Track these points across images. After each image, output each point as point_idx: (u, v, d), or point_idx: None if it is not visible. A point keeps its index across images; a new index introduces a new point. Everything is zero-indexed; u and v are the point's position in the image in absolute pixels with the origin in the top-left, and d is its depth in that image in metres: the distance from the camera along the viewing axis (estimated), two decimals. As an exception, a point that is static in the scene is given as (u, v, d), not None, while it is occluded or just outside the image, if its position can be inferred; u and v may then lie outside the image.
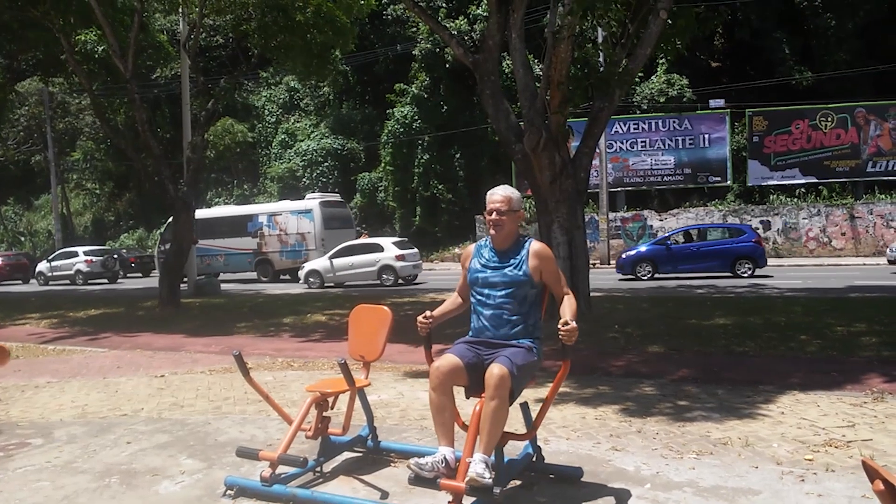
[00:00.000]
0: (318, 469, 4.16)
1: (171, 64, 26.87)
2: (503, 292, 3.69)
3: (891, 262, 20.08)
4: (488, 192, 3.86)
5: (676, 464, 4.19)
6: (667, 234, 21.22)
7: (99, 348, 10.15)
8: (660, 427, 4.98)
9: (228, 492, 3.88)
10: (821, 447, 4.39)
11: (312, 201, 26.57)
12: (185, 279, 19.38)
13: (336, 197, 28.86)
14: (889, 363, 6.77)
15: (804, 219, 26.80)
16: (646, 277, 19.48)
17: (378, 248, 21.65)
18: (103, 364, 8.70)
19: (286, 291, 20.77)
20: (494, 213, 3.75)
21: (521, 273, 3.68)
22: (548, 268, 3.71)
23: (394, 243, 21.91)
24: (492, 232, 3.80)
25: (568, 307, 3.53)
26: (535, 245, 3.76)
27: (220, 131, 36.71)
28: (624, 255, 20.47)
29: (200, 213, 20.68)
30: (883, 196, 26.85)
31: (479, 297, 3.77)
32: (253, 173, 40.11)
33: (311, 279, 22.14)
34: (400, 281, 21.19)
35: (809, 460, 4.15)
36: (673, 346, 8.21)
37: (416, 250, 22.56)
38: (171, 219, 29.38)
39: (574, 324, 3.30)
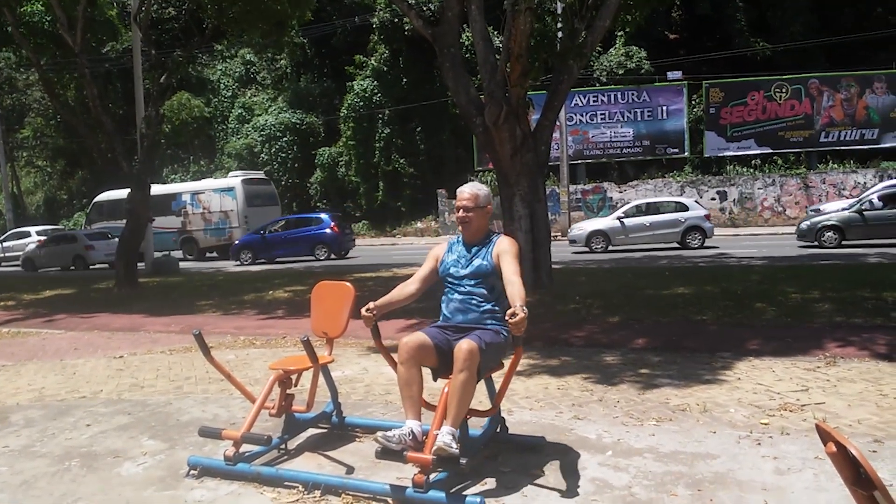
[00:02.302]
0: (283, 446, 4.15)
1: (121, 38, 26.16)
2: (472, 282, 3.81)
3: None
4: (458, 190, 3.98)
5: (637, 431, 4.27)
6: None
7: (55, 330, 9.93)
8: (620, 395, 5.07)
9: (192, 472, 3.85)
10: (776, 411, 4.51)
11: (235, 179, 26.69)
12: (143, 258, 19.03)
13: (260, 174, 28.96)
14: (841, 328, 6.97)
15: (759, 189, 27.33)
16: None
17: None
18: (60, 346, 8.53)
19: (247, 269, 20.55)
20: (462, 210, 3.89)
21: (486, 263, 3.79)
22: (504, 255, 3.76)
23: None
24: (461, 228, 3.95)
25: (517, 294, 3.49)
26: (501, 239, 3.91)
27: (175, 106, 35.85)
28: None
29: (122, 193, 20.35)
30: (836, 165, 27.51)
31: (449, 286, 3.90)
32: (210, 149, 39.38)
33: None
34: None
35: (765, 424, 4.27)
36: (633, 317, 8.33)
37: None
38: (97, 197, 29.18)
39: (522, 314, 3.29)
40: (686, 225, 19.59)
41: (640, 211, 20.47)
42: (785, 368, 5.63)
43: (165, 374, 6.46)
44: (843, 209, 18.60)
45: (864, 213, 17.47)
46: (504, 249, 3.79)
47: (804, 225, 18.46)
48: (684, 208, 20.02)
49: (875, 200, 17.65)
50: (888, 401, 4.63)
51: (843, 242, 17.53)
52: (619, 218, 20.22)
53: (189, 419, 4.92)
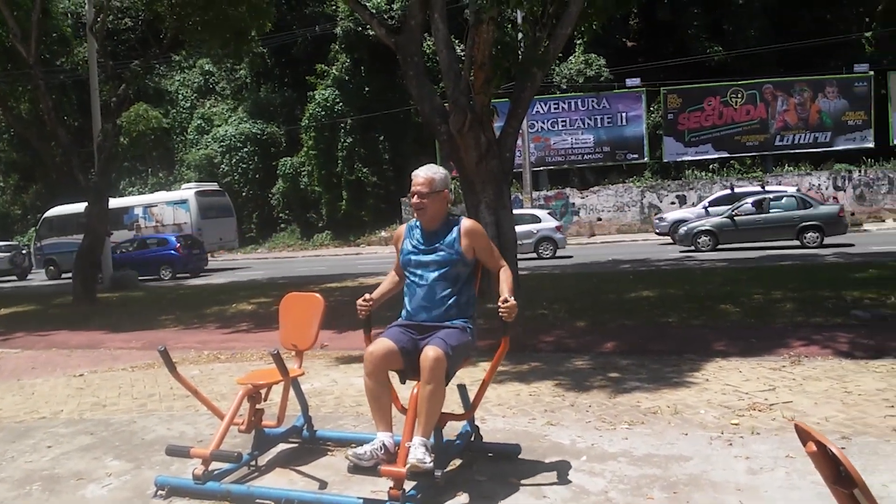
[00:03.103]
0: (253, 463, 4.06)
1: (77, 49, 25.65)
2: (435, 273, 3.65)
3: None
4: (412, 173, 3.75)
5: (610, 435, 4.28)
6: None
7: (11, 349, 9.63)
8: (592, 400, 5.08)
9: (160, 492, 3.74)
10: (745, 411, 4.56)
11: (188, 191, 26.42)
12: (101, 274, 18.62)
13: (214, 186, 28.68)
14: (803, 327, 7.10)
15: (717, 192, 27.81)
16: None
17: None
18: (17, 365, 8.26)
19: (208, 282, 20.23)
20: (416, 196, 3.66)
21: (453, 252, 3.64)
22: (480, 244, 3.69)
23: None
24: (416, 215, 3.74)
25: (505, 282, 3.52)
26: (465, 223, 3.72)
27: (133, 117, 35.23)
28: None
29: (73, 208, 19.91)
30: (791, 168, 28.19)
31: (411, 279, 3.73)
32: (168, 161, 38.77)
33: None
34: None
35: (735, 424, 4.31)
36: (599, 321, 8.39)
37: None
38: (46, 213, 28.54)
39: (514, 301, 3.30)
40: (538, 236, 20.66)
41: None
42: (751, 368, 5.71)
43: (128, 392, 6.29)
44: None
45: (735, 218, 18.67)
46: (477, 239, 3.67)
47: (682, 230, 19.56)
48: (537, 220, 21.04)
49: (749, 206, 18.88)
50: (853, 398, 4.72)
51: (718, 246, 18.73)
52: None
53: (154, 437, 4.79)
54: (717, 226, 18.95)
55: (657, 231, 23.39)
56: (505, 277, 3.55)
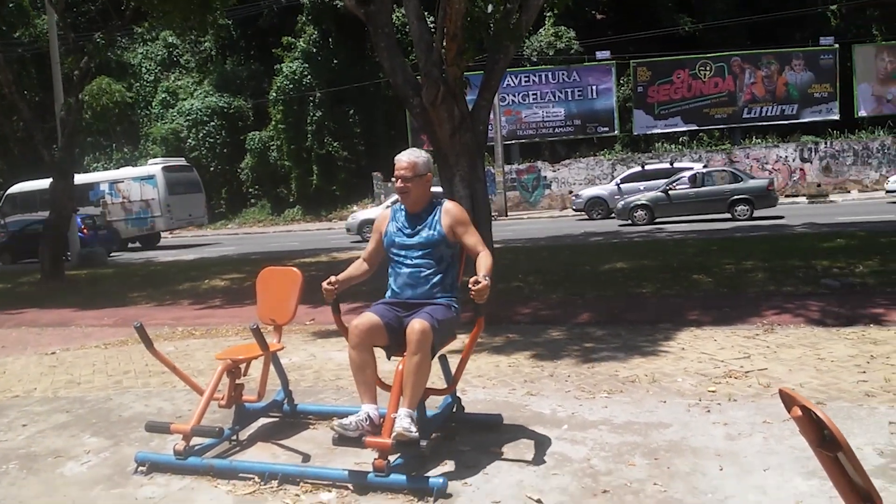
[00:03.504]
0: (234, 438, 4.03)
1: (36, 21, 24.88)
2: (419, 253, 3.68)
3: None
4: (395, 158, 3.82)
5: (590, 404, 4.33)
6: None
7: (-23, 328, 9.42)
8: (570, 370, 5.12)
9: (140, 468, 3.70)
10: (721, 379, 4.64)
11: (155, 167, 25.96)
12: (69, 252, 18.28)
13: (181, 161, 28.18)
14: (775, 296, 7.23)
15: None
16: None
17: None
18: (-16, 344, 8.09)
19: (179, 258, 19.97)
20: (400, 180, 3.72)
21: (435, 233, 3.68)
22: (460, 226, 3.70)
23: None
24: (400, 199, 3.80)
25: (483, 265, 3.50)
26: (447, 205, 3.79)
27: (96, 91, 34.44)
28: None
29: (37, 184, 19.38)
30: (759, 141, 28.51)
31: (396, 259, 3.75)
32: (133, 135, 37.98)
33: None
34: None
35: (712, 392, 4.38)
36: (574, 292, 8.45)
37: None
38: (9, 189, 27.84)
39: (486, 281, 3.28)
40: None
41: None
42: (726, 337, 5.80)
43: (102, 370, 6.20)
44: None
45: (669, 193, 19.38)
46: (457, 219, 3.70)
47: (619, 205, 20.29)
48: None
49: (685, 180, 19.69)
50: (826, 364, 4.82)
51: (656, 220, 19.42)
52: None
53: (132, 414, 4.73)
54: (652, 200, 19.56)
55: (574, 208, 24.31)
56: (483, 261, 3.54)
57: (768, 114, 29.29)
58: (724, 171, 20.10)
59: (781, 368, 4.79)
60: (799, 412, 1.91)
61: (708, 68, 29.18)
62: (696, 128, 29.56)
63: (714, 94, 29.31)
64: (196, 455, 3.70)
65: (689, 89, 29.39)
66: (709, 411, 4.05)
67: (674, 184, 19.68)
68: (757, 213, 18.61)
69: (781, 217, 18.65)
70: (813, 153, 27.59)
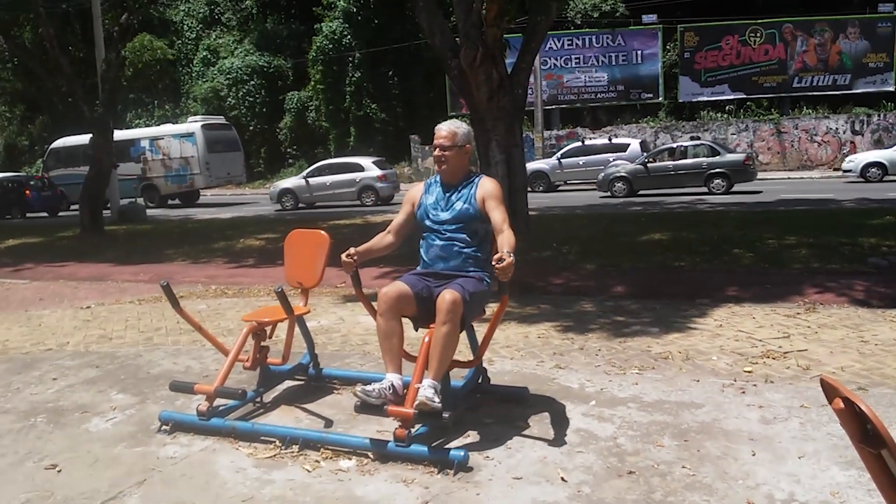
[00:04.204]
0: (259, 400, 4.02)
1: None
2: (454, 226, 3.62)
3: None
4: (436, 127, 3.75)
5: (619, 380, 4.21)
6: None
7: (19, 280, 9.62)
8: (601, 343, 5.01)
9: (164, 427, 3.71)
10: (759, 359, 4.48)
11: (194, 124, 26.10)
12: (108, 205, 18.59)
13: (220, 119, 28.30)
14: (819, 274, 6.97)
15: (732, 134, 27.33)
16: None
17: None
18: (24, 296, 8.25)
19: (216, 216, 20.16)
20: (438, 149, 3.67)
21: (470, 207, 3.61)
22: (491, 200, 3.60)
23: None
24: (437, 168, 3.73)
25: (506, 242, 3.37)
26: (484, 180, 3.71)
27: (138, 48, 34.66)
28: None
29: (80, 139, 19.76)
30: (809, 111, 27.55)
31: (429, 231, 3.69)
32: (174, 93, 38.25)
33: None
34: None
35: (749, 372, 4.24)
36: (610, 263, 8.28)
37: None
38: (53, 144, 28.30)
39: (510, 259, 3.16)
40: (360, 185, 21.23)
41: (329, 170, 22.02)
42: (765, 315, 5.61)
43: (135, 325, 6.26)
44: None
45: (648, 165, 19.40)
46: (490, 193, 3.61)
47: (600, 177, 20.30)
48: (360, 169, 21.61)
49: (664, 154, 19.98)
50: (869, 347, 4.63)
51: (639, 192, 19.44)
52: (304, 177, 22.11)
53: (160, 372, 4.76)
54: (631, 173, 19.59)
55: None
56: (506, 239, 3.41)
57: (819, 83, 28.25)
58: (702, 144, 20.15)
59: (822, 350, 4.61)
60: (841, 404, 1.78)
61: (758, 35, 28.18)
62: (744, 96, 28.67)
63: (763, 61, 28.33)
64: (219, 416, 3.69)
65: (738, 56, 28.45)
66: (744, 392, 3.91)
67: (653, 157, 19.91)
68: (736, 188, 18.66)
69: (759, 192, 18.63)
70: (865, 125, 26.60)
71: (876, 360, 4.37)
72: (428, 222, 3.70)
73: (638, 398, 3.90)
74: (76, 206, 28.05)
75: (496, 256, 3.17)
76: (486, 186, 3.66)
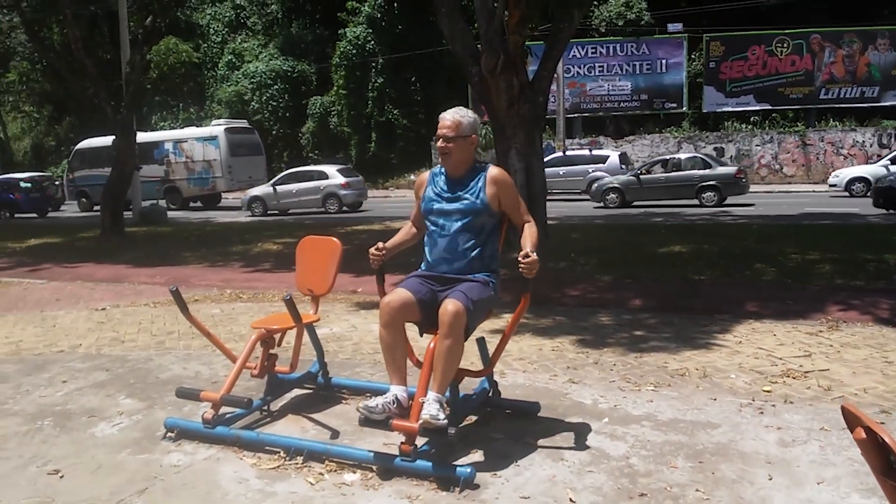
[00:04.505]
0: (266, 408, 3.97)
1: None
2: (459, 223, 3.44)
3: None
4: (439, 116, 3.54)
5: (634, 396, 4.11)
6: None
7: (38, 280, 9.69)
8: (617, 358, 4.90)
9: (169, 434, 3.67)
10: (778, 378, 4.35)
11: (218, 128, 26.31)
12: (130, 207, 18.74)
13: (243, 123, 28.46)
14: (843, 291, 6.81)
15: (757, 146, 27.03)
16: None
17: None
18: (42, 296, 8.30)
19: (235, 220, 20.26)
20: (441, 139, 3.46)
21: (477, 202, 3.43)
22: (506, 194, 3.47)
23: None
24: (441, 159, 3.55)
25: (529, 237, 3.30)
26: (492, 171, 3.51)
27: (163, 51, 34.95)
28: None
29: (105, 141, 20.05)
30: (835, 123, 27.17)
31: (433, 228, 3.53)
32: (199, 96, 38.59)
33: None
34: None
35: (768, 391, 4.12)
36: (628, 275, 8.17)
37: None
38: (78, 145, 28.64)
39: (535, 256, 3.09)
40: (324, 192, 21.62)
41: (296, 178, 22.48)
42: (786, 332, 5.47)
43: (148, 328, 6.25)
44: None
45: (640, 177, 19.65)
46: (503, 187, 3.46)
47: (593, 188, 20.63)
48: (325, 176, 21.96)
49: (658, 166, 20.10)
50: (894, 368, 4.48)
51: (634, 203, 19.60)
52: (272, 185, 22.46)
53: (169, 376, 4.73)
54: (623, 184, 19.81)
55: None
56: (529, 232, 3.33)
57: (847, 95, 27.85)
58: (694, 157, 20.28)
59: (844, 370, 4.47)
60: (863, 434, 1.68)
61: (785, 45, 27.85)
62: (770, 107, 28.33)
63: (790, 72, 27.98)
64: (225, 424, 3.65)
65: (764, 66, 28.13)
66: (762, 413, 3.79)
67: (646, 168, 20.16)
68: (729, 201, 18.75)
69: (752, 205, 18.55)
70: (893, 139, 26.16)
71: (901, 382, 4.22)
72: (432, 216, 3.52)
73: (652, 416, 3.79)
74: (65, 206, 28.65)
75: (521, 253, 3.08)
76: (498, 178, 3.47)
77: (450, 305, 3.17)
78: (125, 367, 5.02)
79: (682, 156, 20.66)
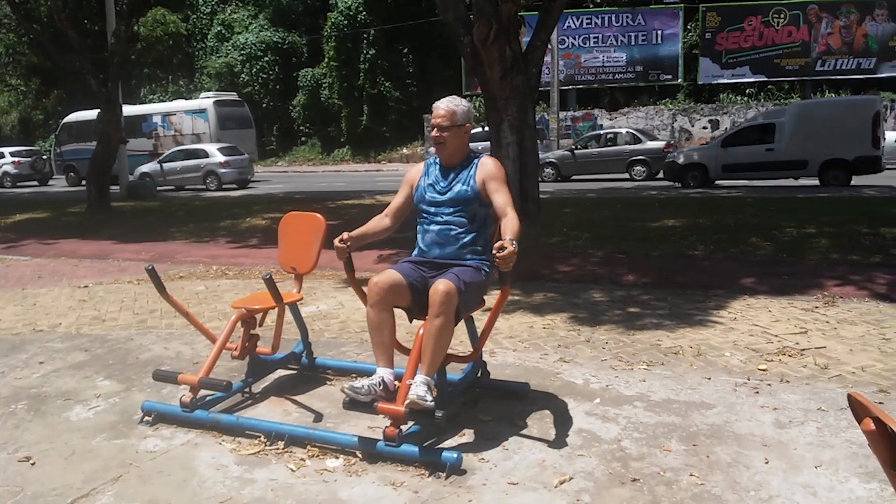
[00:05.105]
0: (247, 390, 3.85)
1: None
2: (451, 210, 3.39)
3: None
4: (433, 105, 3.49)
5: (626, 375, 4.01)
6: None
7: (20, 256, 9.51)
8: (609, 336, 4.79)
9: (146, 418, 3.55)
10: (774, 356, 4.25)
11: (207, 100, 25.98)
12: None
13: (233, 96, 28.13)
14: (839, 265, 6.70)
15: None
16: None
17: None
18: (23, 273, 8.13)
19: (226, 194, 20.03)
20: (436, 129, 3.42)
21: (468, 189, 3.38)
22: (493, 182, 3.35)
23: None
24: (435, 150, 3.50)
25: (509, 228, 3.13)
26: (484, 159, 3.48)
27: (151, 22, 34.43)
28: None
29: (93, 114, 19.82)
30: (831, 95, 26.93)
31: (425, 215, 3.47)
32: (189, 68, 38.05)
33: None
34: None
35: (763, 370, 4.01)
36: (621, 249, 8.04)
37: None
38: (66, 118, 28.24)
39: (512, 247, 2.92)
40: (205, 170, 22.13)
41: (181, 156, 22.94)
42: (782, 308, 5.37)
43: (130, 307, 6.11)
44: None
45: (575, 152, 20.09)
46: (491, 174, 3.37)
47: None
48: (206, 155, 22.44)
49: (593, 141, 20.62)
50: (892, 345, 4.38)
51: (572, 177, 20.11)
52: (159, 161, 23.01)
53: (149, 357, 4.60)
54: (559, 158, 20.44)
55: None
56: (510, 224, 3.16)
57: (843, 67, 27.59)
58: (627, 132, 20.83)
59: (841, 348, 4.37)
60: (871, 425, 1.57)
61: (782, 16, 27.52)
62: (765, 79, 28.07)
63: (787, 43, 27.68)
64: (203, 408, 3.53)
65: (761, 37, 27.81)
66: (757, 392, 3.69)
67: (582, 143, 20.69)
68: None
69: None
70: (889, 111, 25.97)
71: (899, 360, 4.13)
72: (425, 205, 3.48)
73: (645, 396, 3.69)
74: (53, 181, 28.33)
75: (497, 244, 2.95)
76: (487, 166, 3.42)
77: (441, 286, 3.07)
78: (105, 347, 4.88)
79: (616, 130, 21.27)
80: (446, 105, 3.43)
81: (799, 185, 16.46)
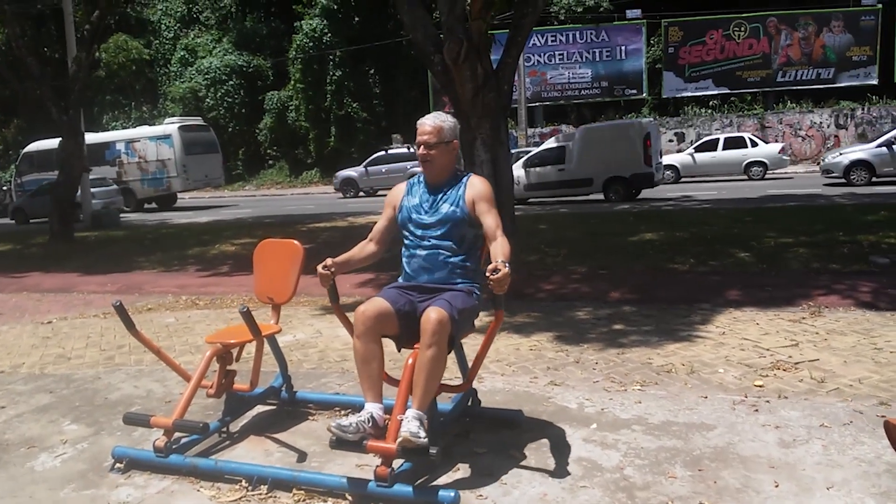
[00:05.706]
0: (225, 430, 3.63)
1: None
2: (438, 232, 3.22)
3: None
4: (418, 122, 3.33)
5: (621, 398, 3.87)
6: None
7: (-20, 292, 9.13)
8: (598, 355, 4.66)
9: (117, 465, 3.32)
10: (768, 370, 4.15)
11: (171, 126, 25.53)
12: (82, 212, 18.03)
13: (198, 121, 27.72)
14: (821, 275, 6.67)
15: (717, 129, 27.13)
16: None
17: None
18: (-17, 310, 7.78)
19: (193, 221, 19.66)
20: (423, 146, 3.26)
21: (457, 210, 3.22)
22: (482, 203, 3.21)
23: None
24: (422, 168, 3.33)
25: (500, 250, 2.99)
26: (473, 179, 3.32)
27: (113, 48, 33.96)
28: None
29: (54, 143, 19.33)
30: (793, 105, 27.42)
31: (411, 239, 3.29)
32: (152, 94, 37.55)
33: None
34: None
35: (759, 386, 3.91)
36: (601, 265, 7.95)
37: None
38: (25, 149, 27.59)
39: (506, 269, 2.79)
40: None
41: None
42: (769, 320, 5.29)
43: (96, 343, 5.83)
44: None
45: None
46: (481, 194, 3.22)
47: None
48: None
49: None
50: (885, 355, 4.31)
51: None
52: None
53: (119, 397, 4.35)
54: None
55: (335, 188, 26.09)
56: (501, 246, 3.02)
57: (803, 78, 28.13)
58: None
59: (835, 360, 4.29)
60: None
61: (742, 29, 28.01)
62: (728, 91, 28.50)
63: (748, 55, 28.15)
64: (180, 451, 3.31)
65: (722, 51, 28.27)
66: (757, 410, 3.58)
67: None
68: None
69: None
70: (849, 119, 26.51)
71: (894, 369, 4.05)
72: (411, 226, 3.30)
73: (643, 419, 3.55)
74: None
75: (490, 267, 2.81)
76: (477, 187, 3.27)
77: (433, 313, 2.90)
78: (70, 387, 4.62)
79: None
80: (432, 121, 3.28)
81: (589, 200, 17.81)
